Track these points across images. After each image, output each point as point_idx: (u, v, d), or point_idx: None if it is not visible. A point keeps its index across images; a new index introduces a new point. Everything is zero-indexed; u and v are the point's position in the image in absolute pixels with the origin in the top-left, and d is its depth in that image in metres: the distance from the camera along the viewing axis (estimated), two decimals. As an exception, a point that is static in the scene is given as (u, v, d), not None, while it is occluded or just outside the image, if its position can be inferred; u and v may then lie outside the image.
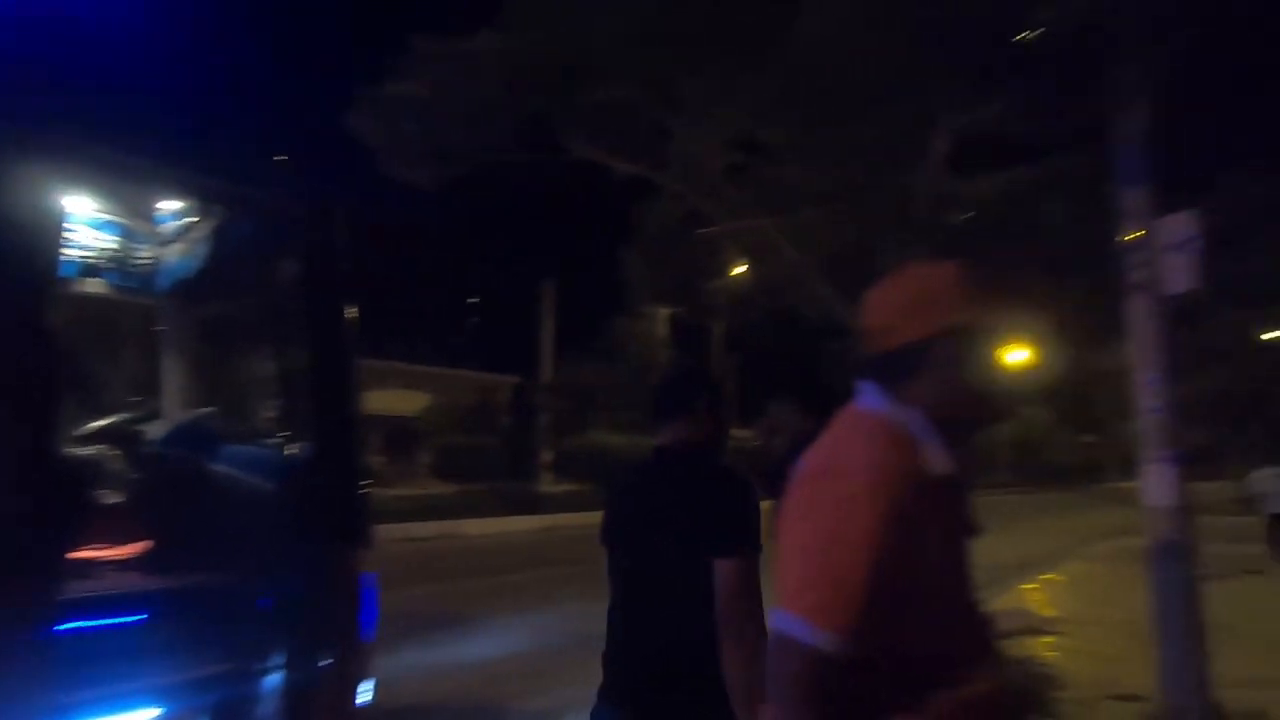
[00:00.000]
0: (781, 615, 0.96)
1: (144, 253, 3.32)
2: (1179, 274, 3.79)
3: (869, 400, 1.12)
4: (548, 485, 22.41)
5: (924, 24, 3.73)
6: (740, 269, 7.41)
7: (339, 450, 2.36)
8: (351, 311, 2.43)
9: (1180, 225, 3.73)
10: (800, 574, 0.97)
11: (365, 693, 2.33)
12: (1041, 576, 9.71)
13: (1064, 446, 34.82)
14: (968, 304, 1.08)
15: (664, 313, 24.76)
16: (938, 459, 1.03)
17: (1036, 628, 6.68)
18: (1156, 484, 3.90)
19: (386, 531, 12.97)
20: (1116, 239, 4.14)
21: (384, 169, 6.61)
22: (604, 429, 23.16)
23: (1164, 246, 3.80)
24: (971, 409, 1.11)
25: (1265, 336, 19.79)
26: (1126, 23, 3.65)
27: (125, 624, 2.08)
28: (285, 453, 2.52)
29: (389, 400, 24.46)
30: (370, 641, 2.40)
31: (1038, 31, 3.82)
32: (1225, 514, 12.95)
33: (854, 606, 0.92)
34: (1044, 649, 5.89)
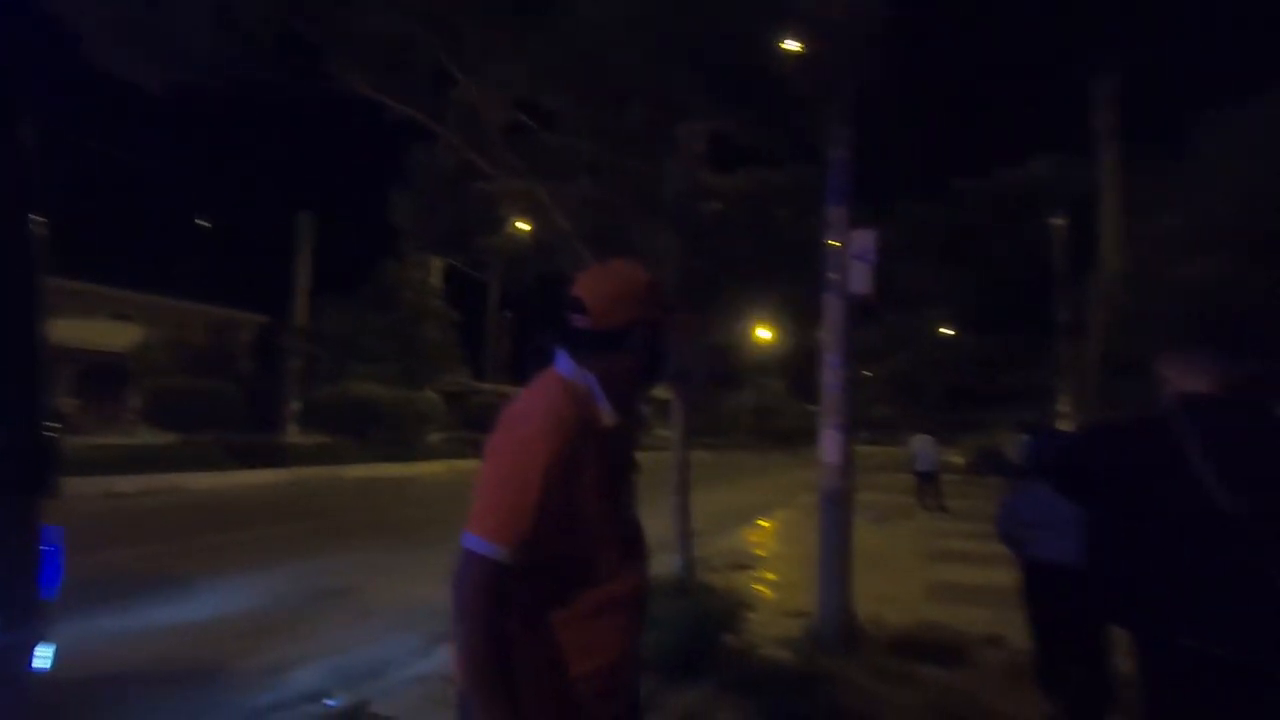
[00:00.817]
0: (467, 536, 1.22)
1: None
2: (860, 278, 4.72)
3: (560, 365, 1.42)
4: (294, 437, 20.68)
5: (675, 31, 4.15)
6: (518, 226, 7.51)
7: (14, 385, 2.09)
8: (37, 221, 2.12)
9: (863, 239, 4.65)
10: (484, 501, 1.24)
11: (43, 658, 2.13)
12: (756, 521, 11.35)
13: (794, 413, 40.25)
14: (655, 306, 1.41)
15: (438, 263, 23.80)
16: (607, 414, 1.36)
17: (744, 563, 7.91)
18: (829, 446, 4.87)
19: (83, 485, 11.11)
20: (824, 244, 5.01)
21: (99, 61, 5.57)
22: (363, 379, 21.81)
23: (851, 255, 4.70)
24: (638, 382, 1.45)
25: (941, 330, 24.75)
26: (825, 68, 4.42)
27: None
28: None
29: (91, 332, 20.58)
30: (50, 601, 2.20)
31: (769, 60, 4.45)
32: (896, 471, 16.14)
33: (523, 526, 1.20)
34: (747, 579, 7.02)
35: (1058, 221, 16.17)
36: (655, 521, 2.35)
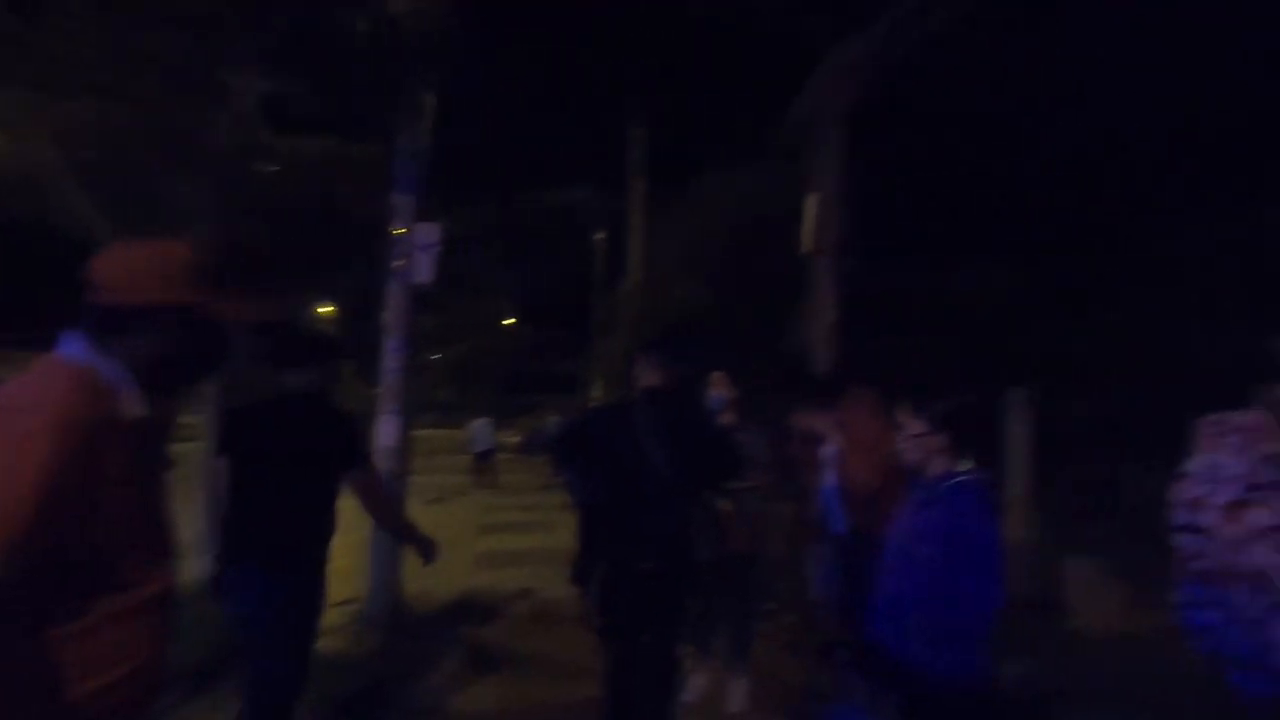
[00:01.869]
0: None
1: None
2: (423, 267, 4.89)
3: (70, 348, 1.23)
4: None
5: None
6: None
7: None
8: None
9: (428, 231, 4.84)
10: None
11: None
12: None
13: (358, 397, 38.38)
14: (190, 286, 1.29)
15: None
16: (132, 404, 1.22)
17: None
18: (385, 430, 4.93)
19: None
20: (390, 230, 5.03)
21: None
22: None
23: (416, 245, 4.85)
24: (174, 369, 1.32)
25: (505, 321, 26.71)
26: (401, 63, 4.53)
27: None
28: None
29: None
30: None
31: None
32: (456, 453, 16.85)
33: (19, 533, 1.04)
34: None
35: (599, 236, 19.07)
36: (186, 519, 2.14)
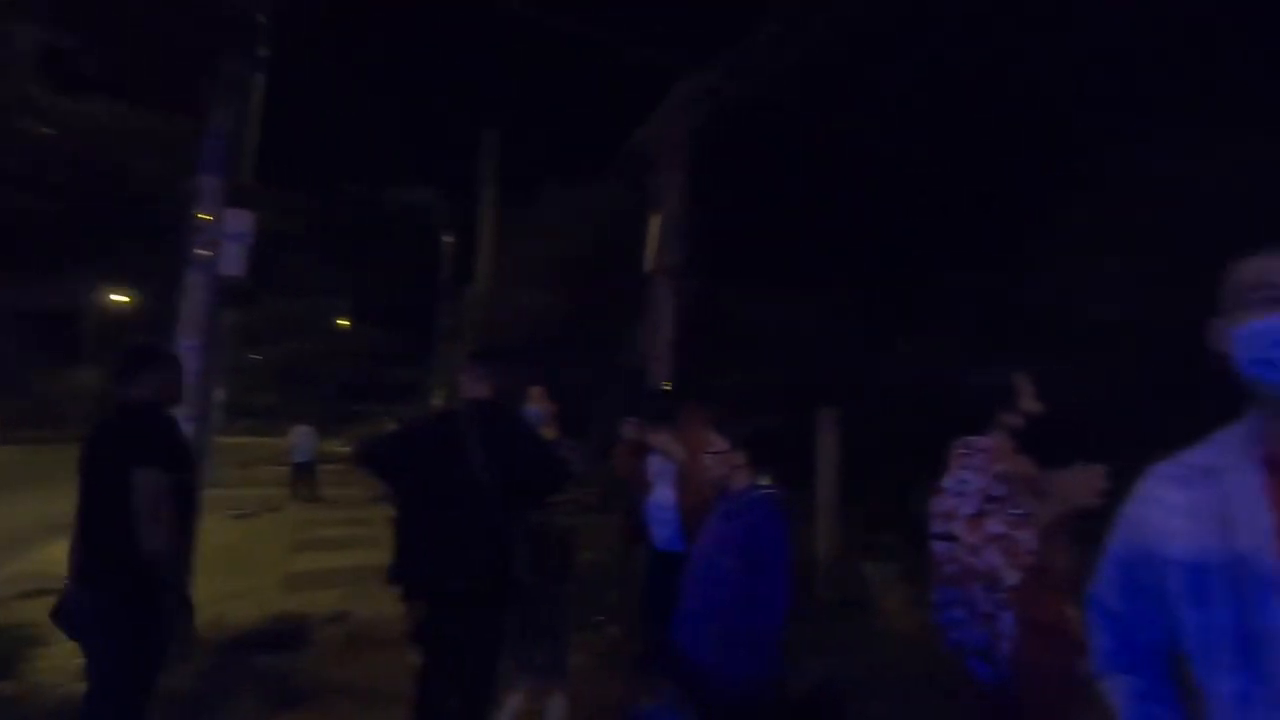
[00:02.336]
0: None
1: None
2: (233, 259, 4.46)
3: None
4: None
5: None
6: None
7: None
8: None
9: (239, 219, 4.42)
10: None
11: None
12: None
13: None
14: None
15: None
16: None
17: (48, 587, 6.33)
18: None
19: None
20: (194, 215, 4.53)
21: None
22: None
23: (225, 234, 4.40)
24: None
25: (339, 322, 24.99)
26: (217, 32, 4.13)
27: None
28: None
29: None
30: None
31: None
32: (275, 463, 15.44)
33: None
34: (48, 607, 5.66)
35: (448, 240, 18.44)
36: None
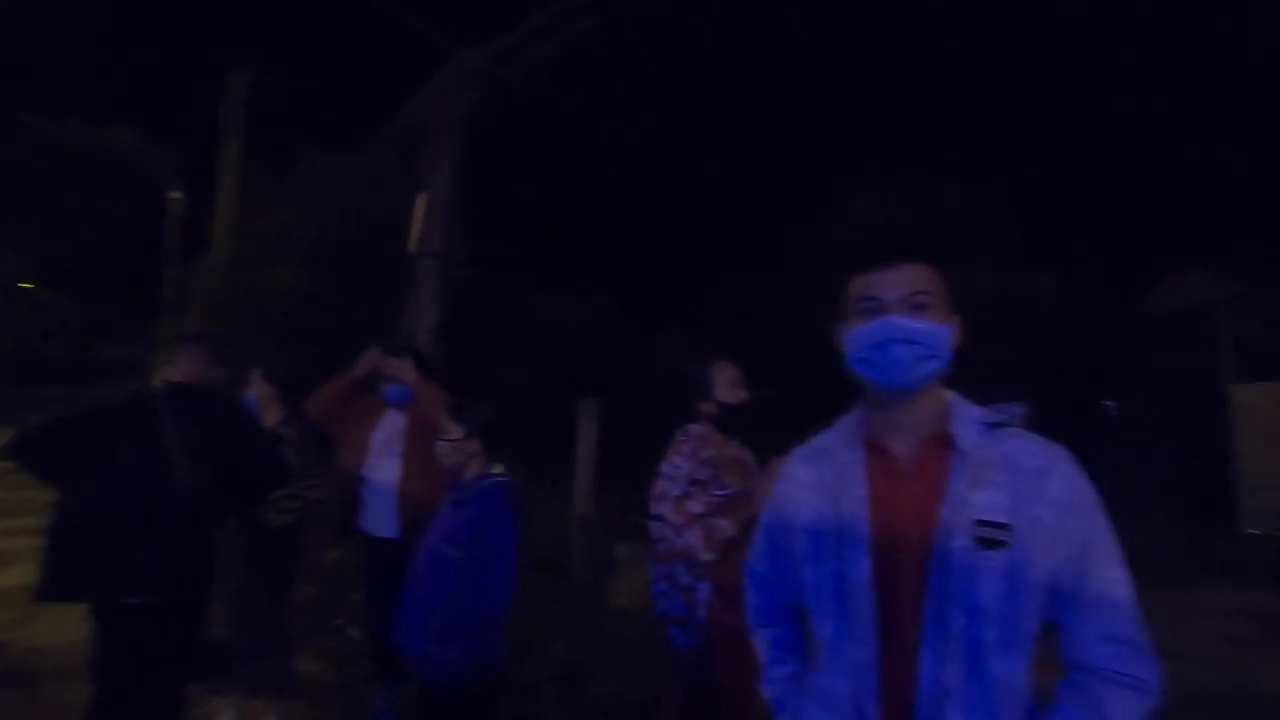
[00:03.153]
0: None
1: None
2: None
3: None
4: None
5: None
6: None
7: None
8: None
9: None
10: None
11: None
12: None
13: None
14: None
15: None
16: None
17: None
18: None
19: None
20: None
21: None
22: None
23: None
24: None
25: (21, 285, 20.16)
26: None
27: None
28: None
29: None
30: None
31: None
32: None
33: None
34: None
35: (175, 195, 15.84)
36: None
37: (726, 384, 2.35)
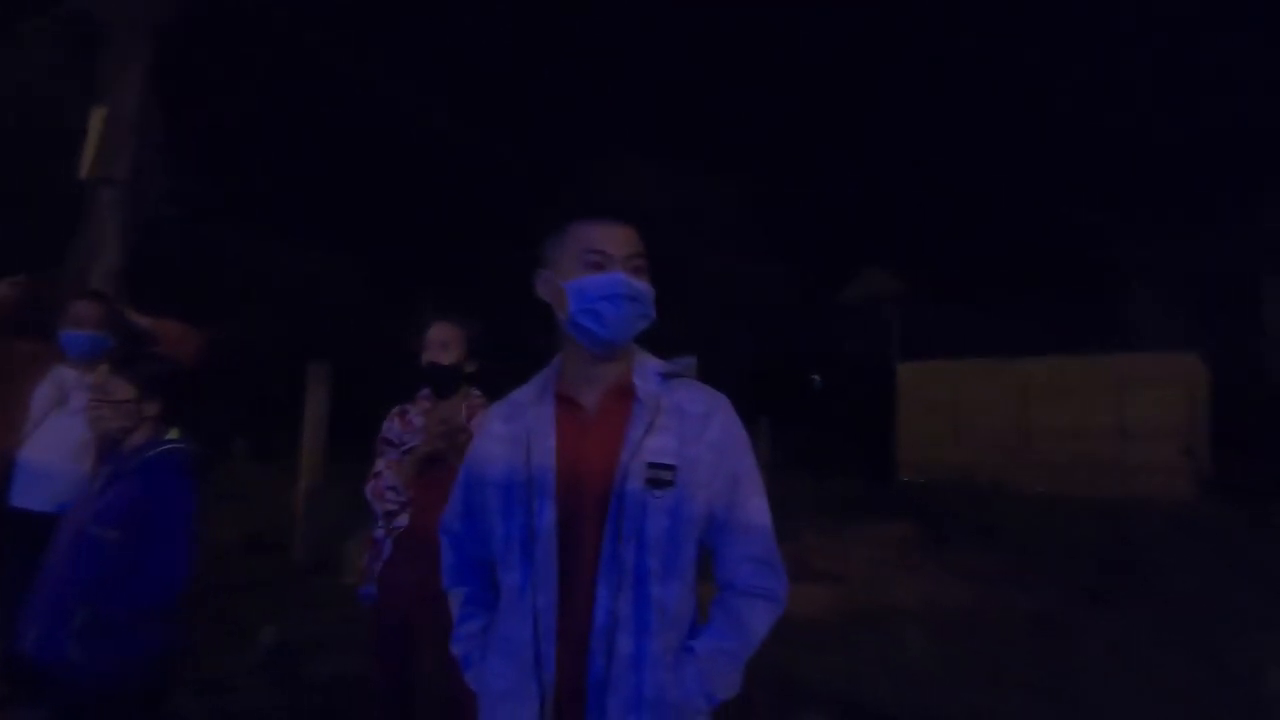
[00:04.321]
0: None
1: None
2: None
3: None
4: None
5: None
6: None
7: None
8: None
9: None
10: None
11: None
12: None
13: None
14: None
15: None
16: None
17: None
18: None
19: None
20: None
21: None
22: None
23: None
24: None
25: None
26: None
27: None
28: None
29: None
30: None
31: None
32: None
33: None
34: None
35: None
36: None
37: (438, 344, 2.27)
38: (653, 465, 1.19)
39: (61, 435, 2.50)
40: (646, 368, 1.30)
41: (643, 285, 1.25)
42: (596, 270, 1.24)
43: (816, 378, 18.02)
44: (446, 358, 2.26)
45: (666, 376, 1.29)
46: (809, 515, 7.15)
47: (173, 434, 1.91)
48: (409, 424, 2.29)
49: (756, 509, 1.28)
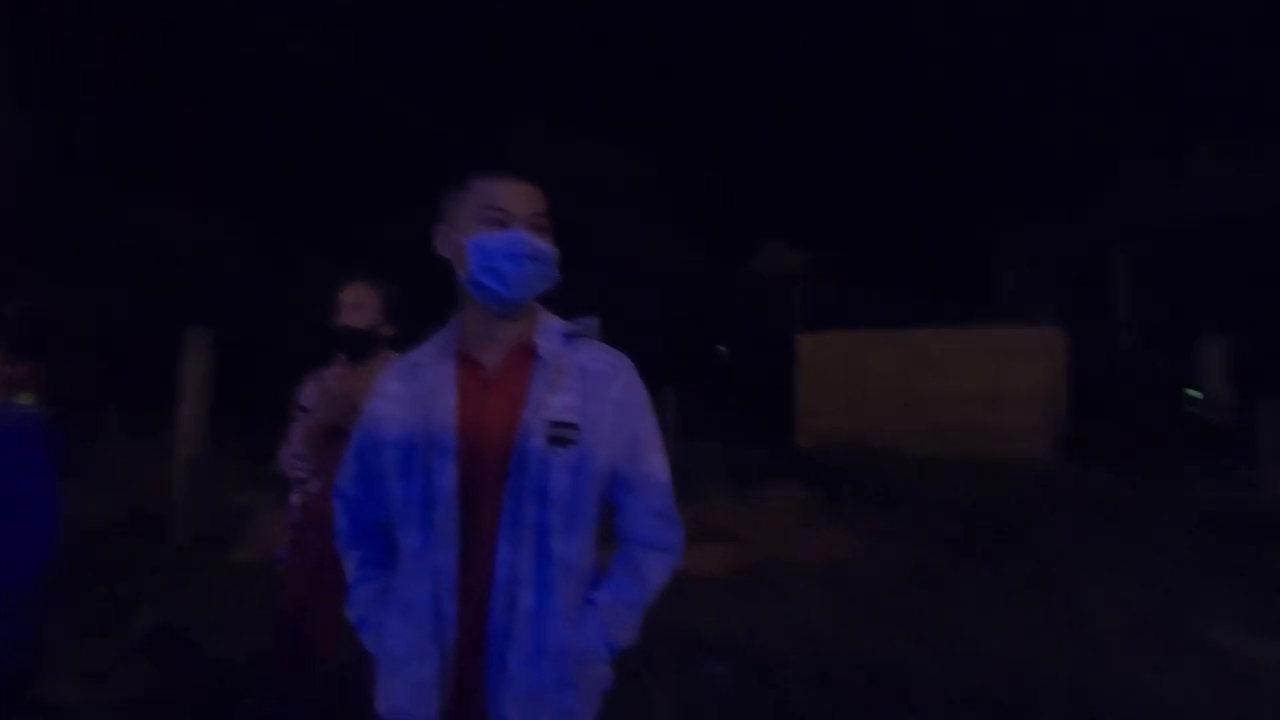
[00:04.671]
0: None
1: None
2: None
3: None
4: None
5: None
6: None
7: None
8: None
9: None
10: None
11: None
12: None
13: None
14: None
15: None
16: None
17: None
18: None
19: None
20: None
21: None
22: None
23: None
24: None
25: None
26: None
27: None
28: None
29: None
30: None
31: None
32: None
33: None
34: None
35: None
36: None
37: (351, 306, 2.16)
38: (555, 424, 1.19)
39: None
40: (549, 327, 1.29)
41: (545, 245, 1.24)
42: (498, 228, 1.21)
43: (722, 348, 18.47)
44: (360, 320, 2.16)
45: (569, 337, 1.28)
46: (712, 481, 7.37)
47: (25, 398, 1.73)
48: (327, 391, 2.19)
49: (656, 465, 1.30)
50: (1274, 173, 11.01)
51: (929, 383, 10.26)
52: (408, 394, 1.24)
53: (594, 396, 1.23)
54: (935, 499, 6.88)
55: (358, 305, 2.17)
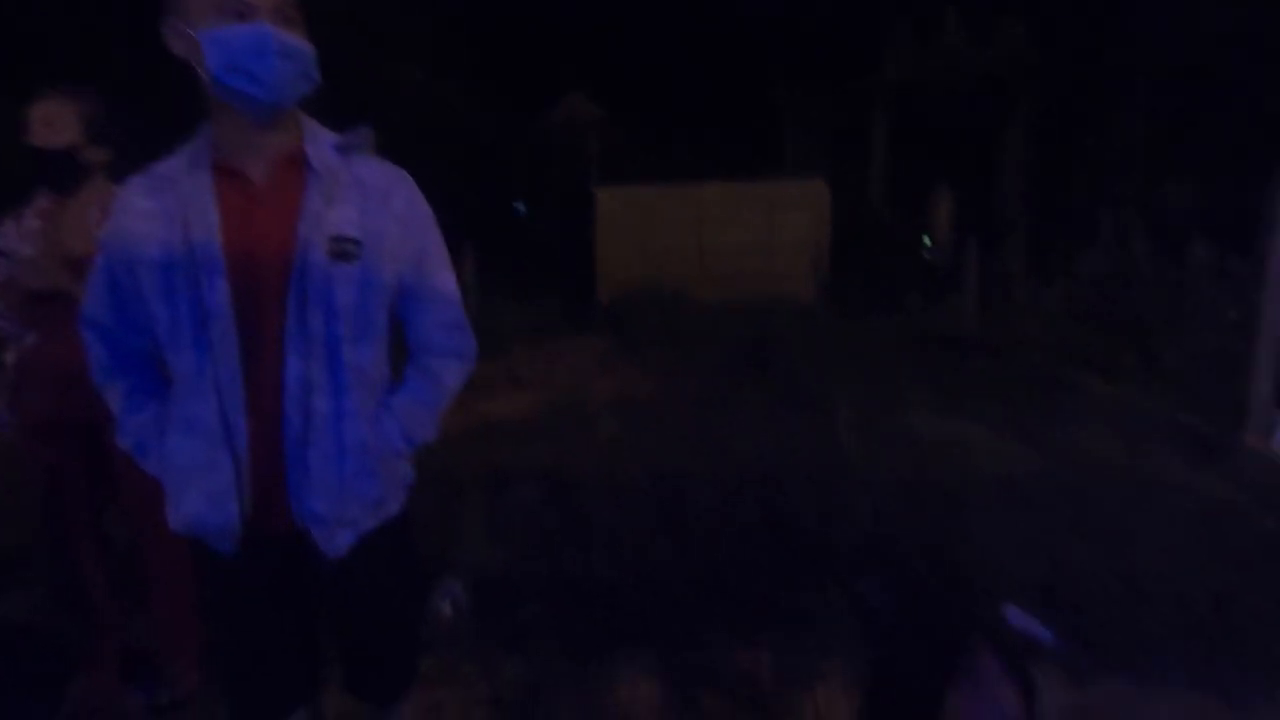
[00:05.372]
0: None
1: None
2: None
3: None
4: None
5: None
6: None
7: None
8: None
9: None
10: None
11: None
12: None
13: None
14: None
15: None
16: None
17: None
18: None
19: None
20: None
21: None
22: None
23: None
24: None
25: None
26: None
27: None
28: None
29: None
30: None
31: None
32: None
33: None
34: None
35: None
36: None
37: (42, 123, 1.78)
38: (335, 238, 1.16)
39: None
40: (318, 137, 1.22)
41: (297, 40, 1.12)
42: (237, 20, 1.07)
43: (520, 205, 17.99)
44: (54, 138, 1.78)
45: (341, 150, 1.22)
46: (515, 334, 7.50)
47: None
48: (26, 230, 1.84)
49: (445, 280, 1.33)
50: (1012, 39, 12.58)
51: (714, 234, 10.96)
52: (158, 209, 1.14)
53: (374, 211, 1.21)
54: (718, 337, 7.62)
55: (49, 121, 1.79)
